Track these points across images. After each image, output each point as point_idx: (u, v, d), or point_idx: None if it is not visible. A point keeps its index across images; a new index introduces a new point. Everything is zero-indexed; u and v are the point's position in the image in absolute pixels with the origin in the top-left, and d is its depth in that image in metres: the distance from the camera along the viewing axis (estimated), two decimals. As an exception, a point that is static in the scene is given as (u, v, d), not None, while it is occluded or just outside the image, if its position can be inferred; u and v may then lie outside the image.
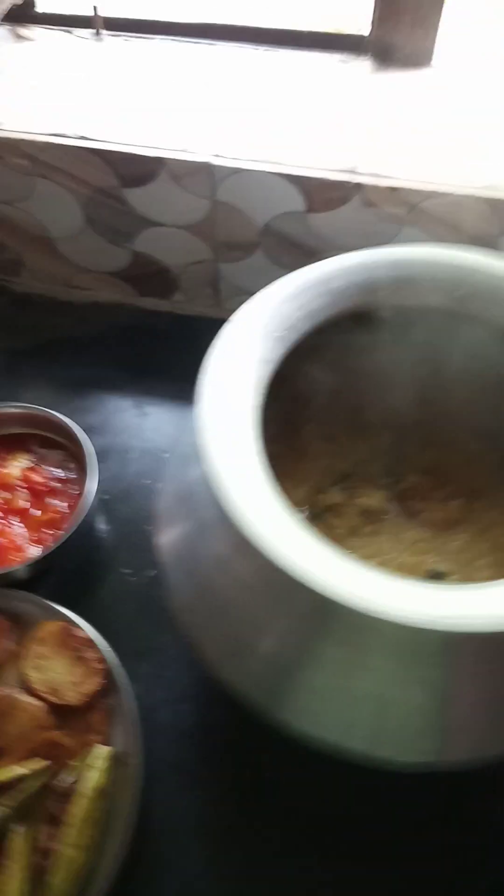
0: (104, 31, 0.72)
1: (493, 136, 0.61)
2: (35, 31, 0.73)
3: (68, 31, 0.72)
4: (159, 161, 0.60)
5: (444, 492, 0.48)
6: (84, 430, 0.58)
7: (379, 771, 0.37)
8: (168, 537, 0.43)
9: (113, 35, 0.72)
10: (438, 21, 0.65)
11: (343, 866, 0.45)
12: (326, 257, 0.63)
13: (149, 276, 0.71)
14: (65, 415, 0.59)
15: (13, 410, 0.60)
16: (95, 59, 0.69)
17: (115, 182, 0.63)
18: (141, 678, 0.51)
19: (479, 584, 0.33)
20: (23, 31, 0.73)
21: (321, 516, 0.48)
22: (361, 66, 0.68)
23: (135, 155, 0.60)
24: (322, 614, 0.35)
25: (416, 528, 0.47)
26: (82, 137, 0.61)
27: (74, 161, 0.62)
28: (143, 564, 0.56)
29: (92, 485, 0.56)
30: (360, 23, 0.68)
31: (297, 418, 0.51)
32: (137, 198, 0.64)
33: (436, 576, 0.44)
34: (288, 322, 0.42)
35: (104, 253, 0.69)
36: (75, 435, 0.58)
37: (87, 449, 0.57)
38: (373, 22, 0.66)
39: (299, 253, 0.64)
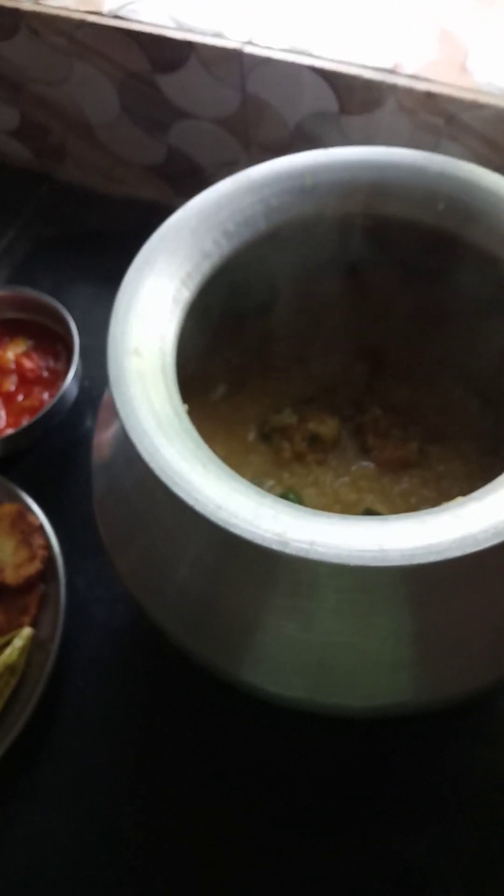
0: None
1: None
2: None
3: None
4: (189, 45, 0.56)
5: (405, 432, 0.44)
6: (89, 325, 0.58)
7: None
8: (102, 437, 0.42)
9: None
10: None
11: (248, 793, 0.44)
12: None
13: (183, 174, 0.68)
14: (72, 307, 0.59)
15: (15, 295, 0.60)
16: None
17: (147, 66, 0.60)
18: (85, 573, 0.51)
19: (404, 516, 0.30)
20: None
21: (270, 437, 0.45)
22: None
23: (164, 37, 0.57)
24: (229, 546, 0.33)
25: (364, 465, 0.44)
26: (116, 17, 0.58)
27: (108, 42, 0.59)
28: (115, 464, 0.56)
29: (70, 377, 0.55)
30: None
31: (270, 333, 0.48)
32: (170, 85, 0.60)
33: (371, 515, 0.41)
34: (241, 216, 0.39)
35: (141, 144, 0.67)
36: (69, 325, 0.57)
37: (76, 341, 0.57)
38: None
39: (332, 161, 0.59)
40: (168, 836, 0.43)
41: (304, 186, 0.40)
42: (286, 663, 0.35)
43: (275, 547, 0.28)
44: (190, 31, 0.57)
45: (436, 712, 0.36)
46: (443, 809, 0.43)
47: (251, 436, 0.46)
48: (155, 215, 0.75)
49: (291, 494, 0.42)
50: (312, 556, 0.28)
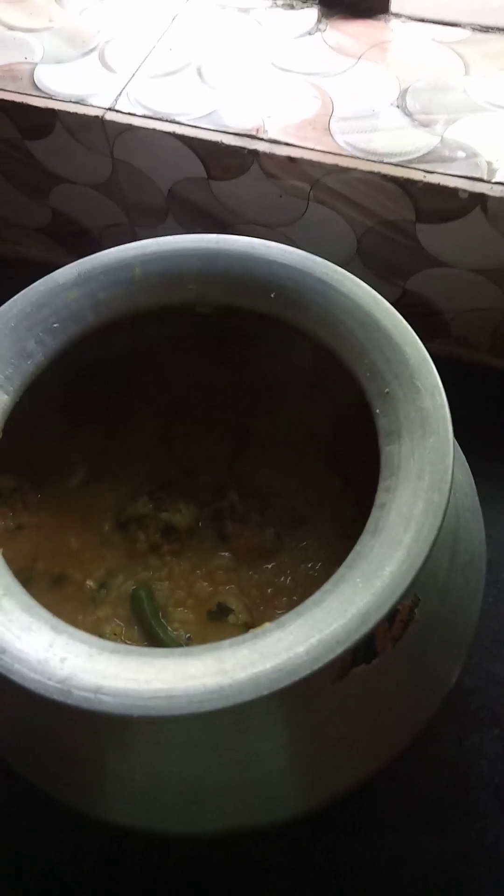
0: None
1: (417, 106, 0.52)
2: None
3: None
4: (52, 112, 0.55)
5: (262, 518, 0.42)
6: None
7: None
8: None
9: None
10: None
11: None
12: (239, 231, 0.58)
13: (71, 235, 0.67)
14: None
15: None
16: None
17: (17, 133, 0.58)
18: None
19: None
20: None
21: (126, 527, 0.43)
22: (304, 15, 0.60)
23: (28, 105, 0.55)
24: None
25: (222, 556, 0.42)
26: (-22, 83, 0.57)
27: (-25, 108, 0.58)
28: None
29: None
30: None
31: (129, 413, 0.46)
32: (41, 151, 0.59)
33: (223, 611, 0.40)
34: (67, 311, 0.37)
35: (24, 207, 0.66)
36: None
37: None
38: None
39: (210, 222, 0.58)
40: None
41: (133, 278, 0.38)
42: (114, 793, 0.33)
43: (56, 697, 0.27)
44: (52, 98, 0.55)
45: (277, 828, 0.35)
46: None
47: (107, 526, 0.44)
48: (47, 273, 0.74)
49: (142, 590, 0.41)
50: (95, 706, 0.27)
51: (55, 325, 0.37)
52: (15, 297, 0.38)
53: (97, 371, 0.46)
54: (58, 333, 0.37)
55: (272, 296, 0.37)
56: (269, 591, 0.41)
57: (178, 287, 0.39)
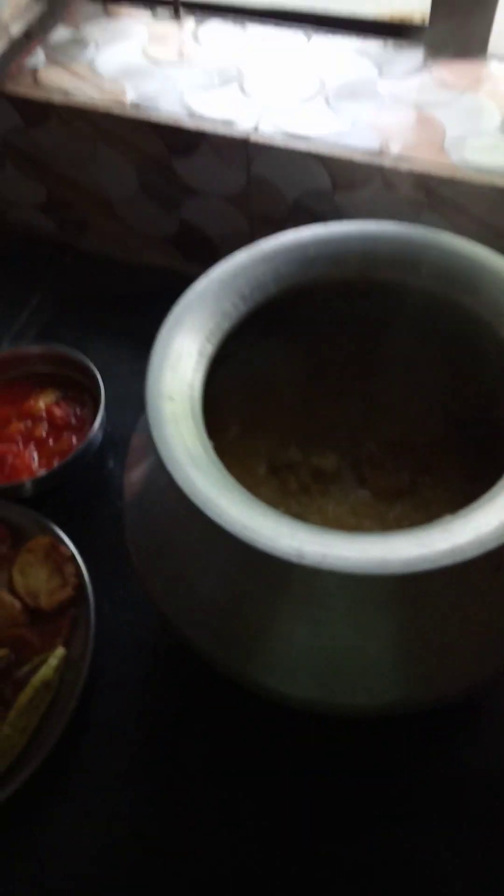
0: (182, 10, 0.76)
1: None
2: (122, 8, 0.78)
3: (151, 9, 0.77)
4: (201, 134, 0.64)
5: (397, 464, 0.50)
6: (110, 376, 0.64)
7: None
8: (132, 476, 0.48)
9: (188, 14, 0.76)
10: (495, 9, 0.65)
11: (263, 797, 0.49)
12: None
13: (194, 243, 0.76)
14: (95, 361, 0.65)
15: (46, 351, 0.67)
16: (167, 37, 0.74)
17: (164, 151, 0.68)
18: (111, 600, 0.56)
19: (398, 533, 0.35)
20: (112, 7, 0.78)
21: (279, 471, 0.51)
22: (413, 55, 0.69)
23: (179, 127, 0.65)
24: (249, 561, 0.38)
25: (362, 494, 0.50)
26: (136, 107, 0.66)
27: (129, 130, 0.67)
28: (137, 501, 0.62)
29: (98, 422, 0.61)
30: (414, 11, 0.69)
31: (278, 377, 0.54)
32: (184, 167, 0.68)
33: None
34: (256, 282, 0.45)
35: (155, 218, 0.75)
36: (95, 377, 0.64)
37: (102, 390, 0.63)
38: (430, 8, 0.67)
39: (328, 230, 0.67)
40: (192, 836, 0.48)
41: (306, 257, 0.47)
42: (299, 666, 0.40)
43: (293, 559, 0.34)
44: (202, 120, 0.65)
45: (435, 710, 0.41)
46: (446, 806, 0.48)
47: (261, 470, 0.51)
48: (167, 280, 0.83)
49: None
50: (325, 566, 0.34)
51: (246, 293, 0.45)
52: (215, 267, 0.46)
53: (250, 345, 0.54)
54: (247, 300, 0.46)
55: (423, 272, 0.45)
56: (404, 523, 0.48)
57: (343, 265, 0.47)
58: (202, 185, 0.69)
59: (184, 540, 0.42)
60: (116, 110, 0.67)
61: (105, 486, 0.64)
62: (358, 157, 0.61)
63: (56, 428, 0.64)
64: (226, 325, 0.45)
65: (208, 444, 0.39)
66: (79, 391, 0.66)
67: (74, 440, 0.63)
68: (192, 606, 0.42)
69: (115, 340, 0.73)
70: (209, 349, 0.43)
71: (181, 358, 0.42)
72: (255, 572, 0.39)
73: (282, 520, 0.36)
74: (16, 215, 0.82)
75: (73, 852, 0.48)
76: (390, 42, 0.70)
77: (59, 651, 0.52)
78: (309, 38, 0.72)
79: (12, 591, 0.55)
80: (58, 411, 0.65)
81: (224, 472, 0.39)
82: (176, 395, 0.41)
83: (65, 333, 0.74)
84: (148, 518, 0.45)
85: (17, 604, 0.54)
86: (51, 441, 0.63)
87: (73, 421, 0.64)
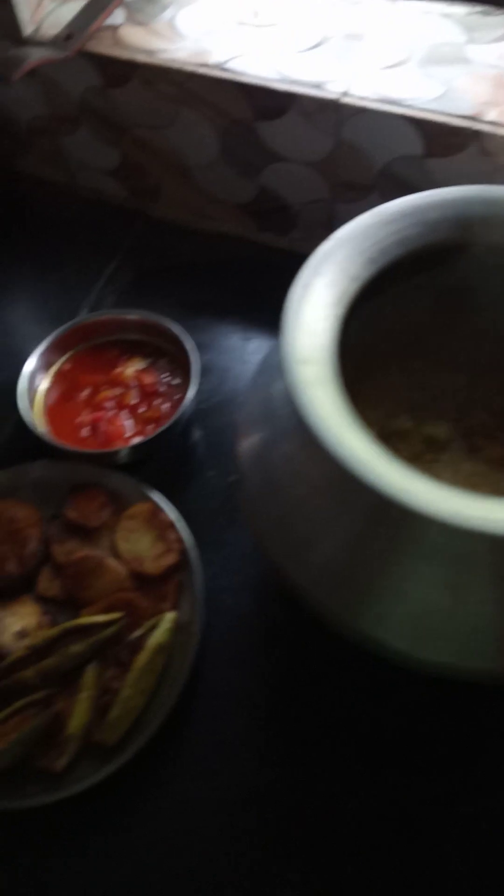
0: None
1: None
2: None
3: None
4: (291, 96, 0.64)
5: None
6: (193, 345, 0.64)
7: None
8: (247, 443, 0.48)
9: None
10: None
11: (372, 761, 0.50)
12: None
13: (270, 211, 0.75)
14: (178, 329, 0.65)
15: (135, 318, 0.67)
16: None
17: (250, 115, 0.67)
18: (212, 565, 0.57)
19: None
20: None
21: (388, 439, 0.51)
22: (501, 20, 0.68)
23: (269, 88, 0.64)
24: (386, 518, 0.38)
25: (474, 463, 0.50)
26: (223, 69, 0.65)
27: (216, 92, 0.66)
28: (227, 469, 0.62)
29: (192, 391, 0.61)
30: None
31: (381, 347, 0.54)
32: (269, 131, 0.68)
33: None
34: (380, 245, 0.45)
35: (233, 185, 0.74)
36: (185, 346, 0.64)
37: (194, 359, 0.63)
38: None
39: (415, 197, 0.66)
40: (302, 793, 0.49)
41: (426, 220, 0.46)
42: (435, 630, 0.41)
43: (461, 524, 0.34)
44: (292, 82, 0.64)
45: None
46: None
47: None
48: (240, 249, 0.83)
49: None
50: (489, 529, 0.34)
51: (374, 257, 0.45)
52: (340, 230, 0.45)
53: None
54: (374, 263, 0.45)
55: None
56: (520, 492, 0.49)
57: (463, 230, 0.47)
58: (287, 151, 0.69)
59: (313, 499, 0.42)
60: (203, 71, 0.66)
61: (193, 454, 0.64)
62: (454, 122, 0.60)
63: (146, 395, 0.64)
64: (353, 288, 0.44)
65: (345, 406, 0.39)
66: (163, 358, 0.66)
67: (165, 407, 0.63)
68: (322, 573, 0.42)
69: (191, 309, 0.73)
70: (339, 312, 0.43)
71: (312, 322, 0.42)
72: (397, 537, 0.39)
73: (431, 481, 0.36)
74: (85, 178, 0.82)
75: (191, 814, 0.49)
76: (477, 7, 0.69)
77: (171, 615, 0.52)
78: (394, 1, 0.70)
79: (117, 556, 0.56)
80: (147, 378, 0.65)
81: (366, 434, 0.39)
82: (311, 359, 0.41)
83: (142, 302, 0.73)
84: (270, 483, 0.45)
85: (123, 569, 0.55)
86: (142, 408, 0.63)
87: (163, 388, 0.64)
